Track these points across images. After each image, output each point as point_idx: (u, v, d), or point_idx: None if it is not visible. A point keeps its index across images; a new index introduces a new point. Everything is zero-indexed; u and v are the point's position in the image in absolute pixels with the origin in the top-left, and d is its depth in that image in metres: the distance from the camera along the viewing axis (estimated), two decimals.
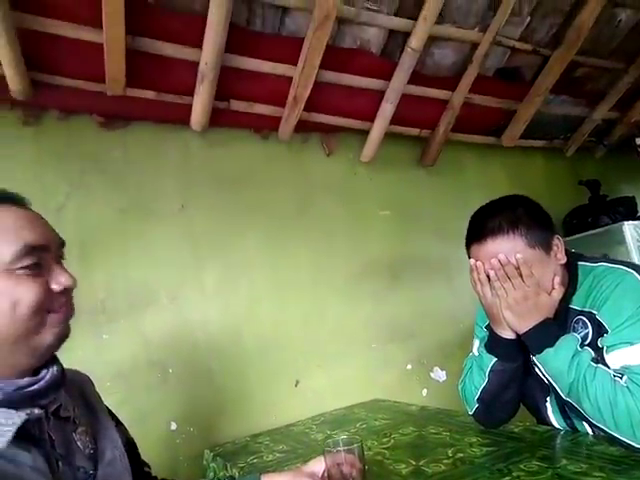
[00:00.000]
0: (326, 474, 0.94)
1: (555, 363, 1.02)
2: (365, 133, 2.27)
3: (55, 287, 0.70)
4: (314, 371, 1.97)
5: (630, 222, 2.69)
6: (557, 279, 1.08)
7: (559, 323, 1.07)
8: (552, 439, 1.12)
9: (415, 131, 2.39)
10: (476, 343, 1.25)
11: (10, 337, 0.66)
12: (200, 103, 1.83)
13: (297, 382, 1.93)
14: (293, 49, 1.84)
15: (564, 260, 1.10)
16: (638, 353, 0.94)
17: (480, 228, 1.12)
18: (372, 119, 2.21)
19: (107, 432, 0.84)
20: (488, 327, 1.18)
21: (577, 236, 2.74)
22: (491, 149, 2.72)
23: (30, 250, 0.68)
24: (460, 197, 2.61)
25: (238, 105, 1.95)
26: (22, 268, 0.67)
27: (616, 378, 0.94)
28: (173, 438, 1.65)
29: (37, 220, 0.73)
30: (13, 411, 0.64)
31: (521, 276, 1.05)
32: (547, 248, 1.08)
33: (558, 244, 1.11)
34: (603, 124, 2.91)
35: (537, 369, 1.09)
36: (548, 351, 1.02)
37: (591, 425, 1.02)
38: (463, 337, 2.34)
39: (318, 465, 0.96)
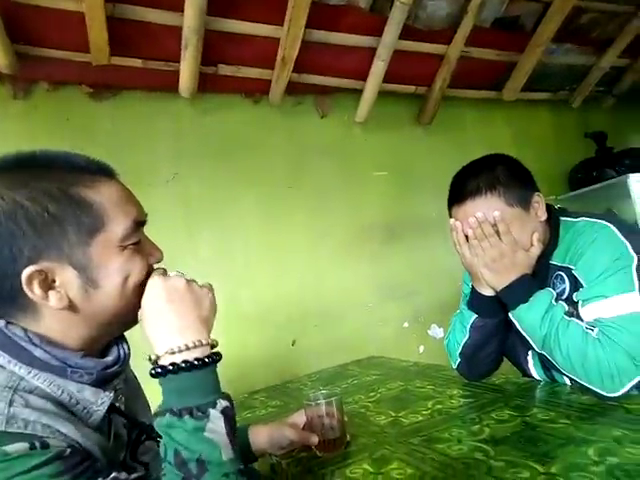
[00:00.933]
0: (307, 425, 1.00)
1: (528, 318, 1.04)
2: (359, 93, 2.24)
3: (152, 260, 0.70)
4: (311, 330, 2.03)
5: (636, 175, 2.61)
6: (536, 236, 1.08)
7: (539, 279, 1.09)
8: (529, 390, 1.15)
9: (411, 89, 2.34)
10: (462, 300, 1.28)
11: (113, 312, 0.65)
12: (187, 69, 1.82)
13: (294, 341, 2.00)
14: (278, 8, 1.80)
15: (544, 217, 1.10)
16: (611, 306, 0.96)
17: (460, 190, 1.14)
18: (365, 78, 2.17)
19: (146, 414, 0.81)
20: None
21: (581, 191, 2.67)
22: (492, 104, 2.65)
23: (137, 226, 0.67)
24: (461, 155, 2.49)
25: (226, 69, 1.94)
26: (132, 244, 0.65)
27: (588, 331, 0.96)
28: None
29: (132, 194, 0.70)
30: (101, 391, 0.63)
31: (498, 234, 1.05)
32: (526, 206, 1.08)
33: (539, 201, 1.10)
34: (612, 72, 2.79)
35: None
36: (521, 307, 1.05)
37: (568, 376, 1.05)
38: (461, 295, 2.36)
39: (300, 417, 1.02)
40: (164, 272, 0.69)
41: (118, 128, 1.82)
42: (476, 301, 1.17)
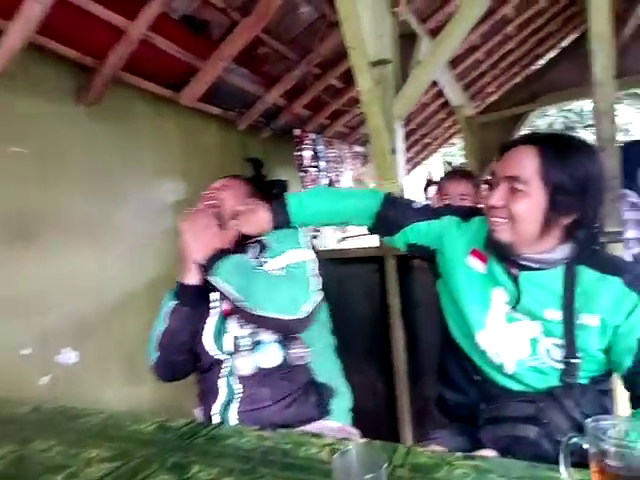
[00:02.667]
0: None
1: (224, 275, 1.10)
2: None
3: None
4: None
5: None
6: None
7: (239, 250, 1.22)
8: (185, 437, 1.00)
9: (75, 54, 1.89)
10: None
11: None
12: None
13: None
14: None
15: None
16: (290, 256, 1.16)
17: None
18: (12, 18, 1.60)
19: None
20: None
21: None
22: (168, 104, 2.48)
23: None
24: (128, 151, 2.28)
25: None
26: None
27: (274, 272, 1.13)
28: None
29: None
30: None
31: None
32: None
33: None
34: (273, 108, 3.12)
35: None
36: (218, 265, 1.11)
37: None
38: (108, 311, 2.05)
39: None
40: None
41: None
42: (180, 290, 1.22)
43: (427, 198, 2.38)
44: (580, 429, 0.87)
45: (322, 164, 3.44)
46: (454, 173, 2.27)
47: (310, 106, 3.34)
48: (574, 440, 0.66)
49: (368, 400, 1.32)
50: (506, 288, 1.00)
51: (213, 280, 1.12)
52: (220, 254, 1.13)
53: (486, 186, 0.99)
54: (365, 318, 2.04)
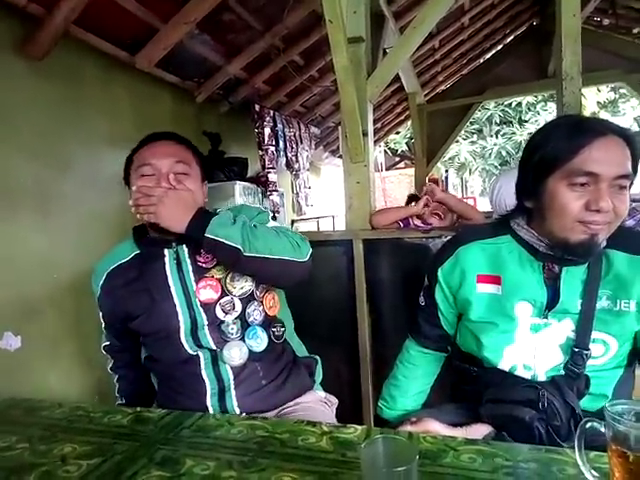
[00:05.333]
0: None
1: (220, 229, 1.01)
2: None
3: None
4: None
5: (241, 182, 2.89)
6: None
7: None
8: (169, 429, 0.92)
9: (22, 1, 1.67)
10: None
11: None
12: None
13: None
14: None
15: None
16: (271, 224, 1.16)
17: None
18: None
19: None
20: None
21: None
22: (121, 67, 2.29)
23: None
24: (76, 114, 2.07)
25: None
26: None
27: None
28: None
29: None
30: None
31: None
32: None
33: None
34: (233, 80, 2.97)
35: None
36: (212, 224, 1.01)
37: None
38: (56, 291, 1.88)
39: None
40: None
41: None
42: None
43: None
44: (576, 418, 0.91)
45: (281, 143, 3.34)
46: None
47: (270, 81, 3.23)
48: (591, 424, 0.67)
49: (332, 383, 1.32)
50: (532, 297, 0.96)
51: (211, 238, 1.01)
52: (204, 213, 1.04)
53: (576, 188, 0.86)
54: (331, 301, 2.02)
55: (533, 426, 0.91)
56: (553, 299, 0.95)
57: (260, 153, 3.16)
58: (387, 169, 10.94)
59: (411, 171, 7.66)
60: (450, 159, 14.05)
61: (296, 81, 3.35)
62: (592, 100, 12.99)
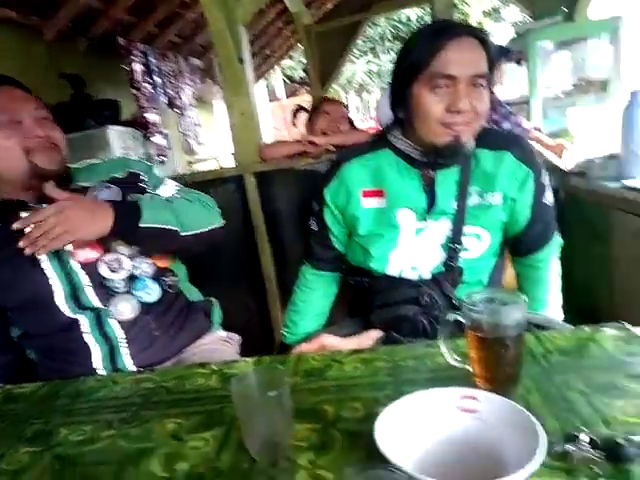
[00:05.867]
0: None
1: (149, 217, 1.01)
2: None
3: None
4: None
5: (115, 127, 2.62)
6: None
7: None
8: (43, 401, 0.85)
9: None
10: None
11: None
12: None
13: None
14: None
15: None
16: (170, 183, 1.19)
17: None
18: None
19: None
20: None
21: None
22: None
23: None
24: None
25: None
26: None
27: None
28: None
29: None
30: None
31: None
32: None
33: None
34: (85, 11, 2.60)
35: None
36: (144, 211, 1.00)
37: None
38: None
39: None
40: None
41: None
42: None
43: (294, 125, 2.26)
44: (454, 306, 0.97)
45: (157, 80, 3.05)
46: (328, 99, 2.27)
47: (134, 11, 2.88)
48: (450, 315, 0.71)
49: (240, 317, 1.32)
50: (413, 204, 0.99)
51: (147, 227, 1.00)
52: (120, 203, 1.03)
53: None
54: (230, 240, 1.97)
55: (417, 320, 0.97)
56: (432, 203, 0.99)
57: (134, 92, 2.87)
58: (288, 97, 10.63)
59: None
60: (348, 81, 13.94)
61: (165, 8, 3.02)
62: (477, 9, 13.30)
